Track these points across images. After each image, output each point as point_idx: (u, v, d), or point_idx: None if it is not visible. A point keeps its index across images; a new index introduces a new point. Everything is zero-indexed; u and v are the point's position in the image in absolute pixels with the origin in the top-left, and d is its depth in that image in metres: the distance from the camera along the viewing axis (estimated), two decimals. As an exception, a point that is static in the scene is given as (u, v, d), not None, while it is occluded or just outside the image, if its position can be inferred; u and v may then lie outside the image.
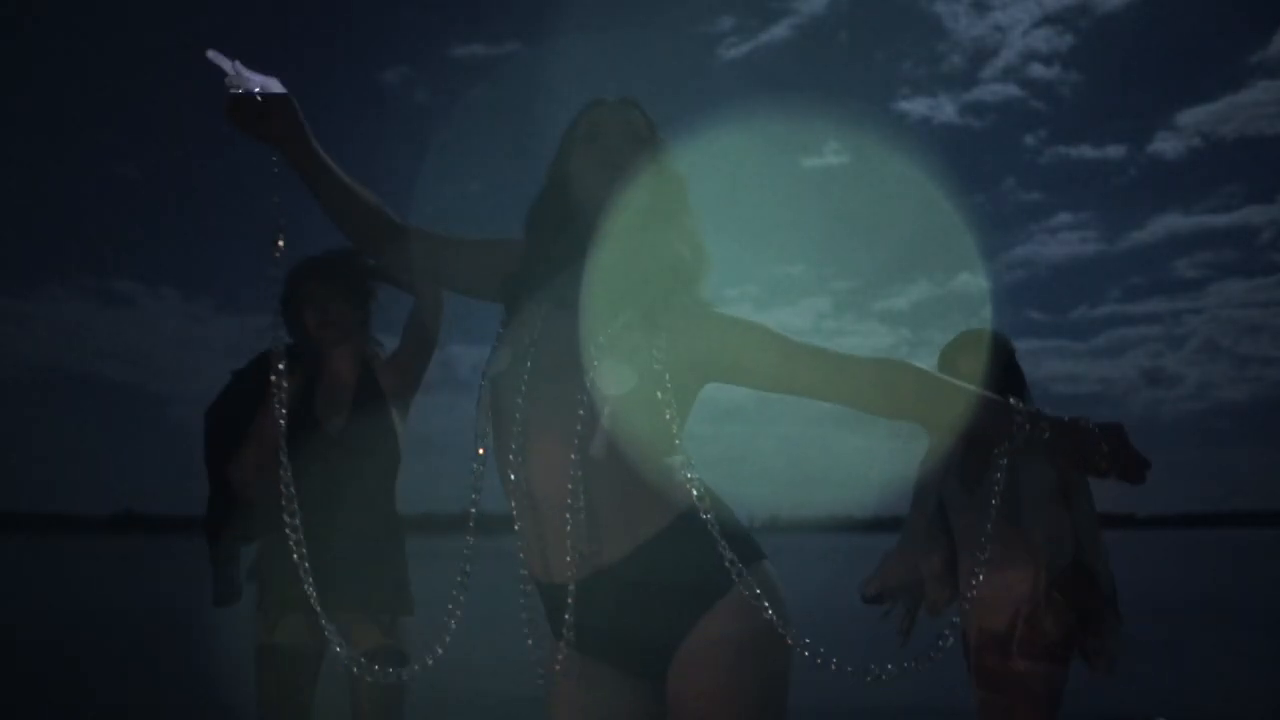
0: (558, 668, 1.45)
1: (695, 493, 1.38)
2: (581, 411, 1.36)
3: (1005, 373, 2.51)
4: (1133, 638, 2.56)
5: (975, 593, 2.56)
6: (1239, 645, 8.28)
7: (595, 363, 1.37)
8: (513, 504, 1.44)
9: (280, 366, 2.40)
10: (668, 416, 1.39)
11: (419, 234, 1.51)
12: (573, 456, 1.36)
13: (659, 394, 1.39)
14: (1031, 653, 2.47)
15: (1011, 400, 1.41)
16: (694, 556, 1.36)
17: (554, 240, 1.50)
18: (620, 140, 1.48)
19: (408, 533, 2.55)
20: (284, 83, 1.38)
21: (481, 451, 1.48)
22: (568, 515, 1.36)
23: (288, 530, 1.53)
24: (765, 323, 1.45)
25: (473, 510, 1.50)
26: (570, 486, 1.36)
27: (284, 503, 1.55)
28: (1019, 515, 2.46)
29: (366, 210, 1.46)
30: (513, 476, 1.41)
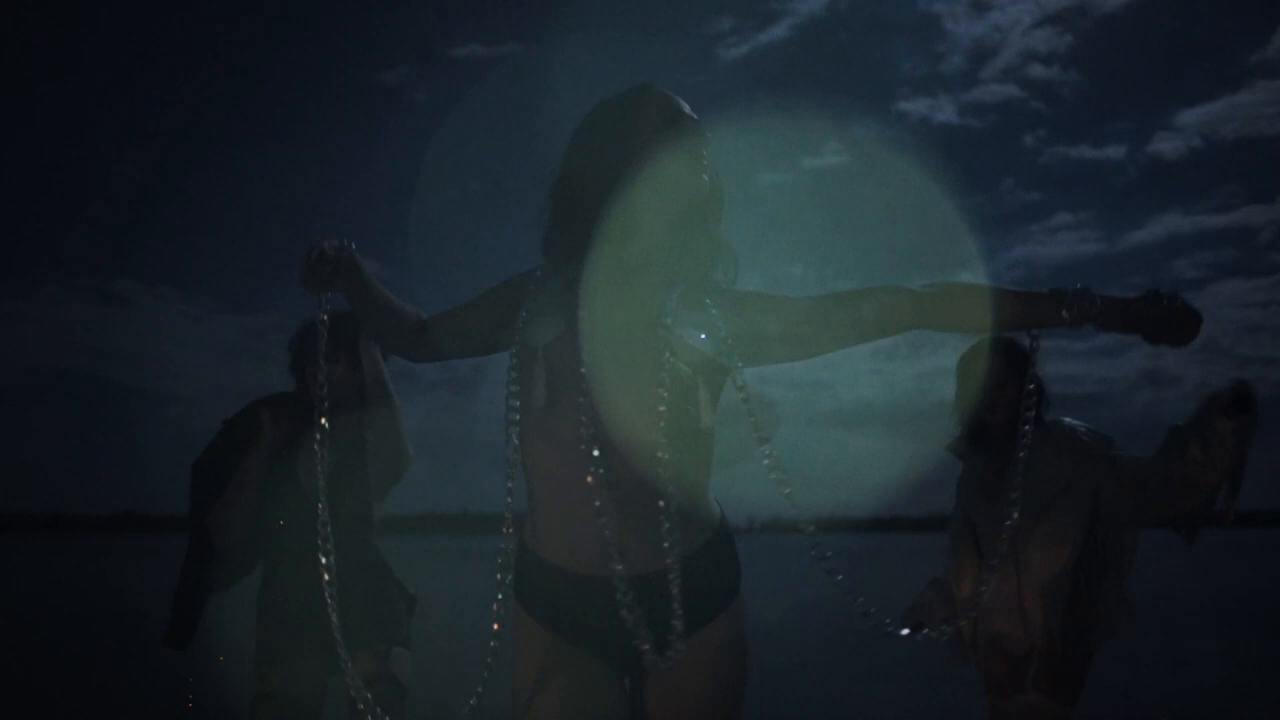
0: (543, 658, 1.46)
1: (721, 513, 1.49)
2: (663, 392, 1.39)
3: (1021, 374, 2.47)
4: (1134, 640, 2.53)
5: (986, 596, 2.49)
6: (1241, 647, 8.28)
7: (669, 334, 1.41)
8: (551, 485, 1.44)
9: (268, 414, 2.41)
10: (740, 383, 1.44)
11: (435, 325, 1.63)
12: (660, 425, 1.39)
13: (726, 362, 1.44)
14: (1042, 686, 2.45)
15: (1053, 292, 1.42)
16: (717, 569, 1.47)
17: (609, 211, 1.49)
18: (698, 133, 1.51)
19: (408, 533, 2.55)
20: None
21: (518, 417, 1.47)
22: (660, 501, 1.39)
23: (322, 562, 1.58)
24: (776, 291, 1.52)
25: (508, 498, 1.48)
26: (661, 456, 1.38)
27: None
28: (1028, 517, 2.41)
29: (401, 329, 1.65)
30: (596, 454, 1.39)
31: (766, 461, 1.44)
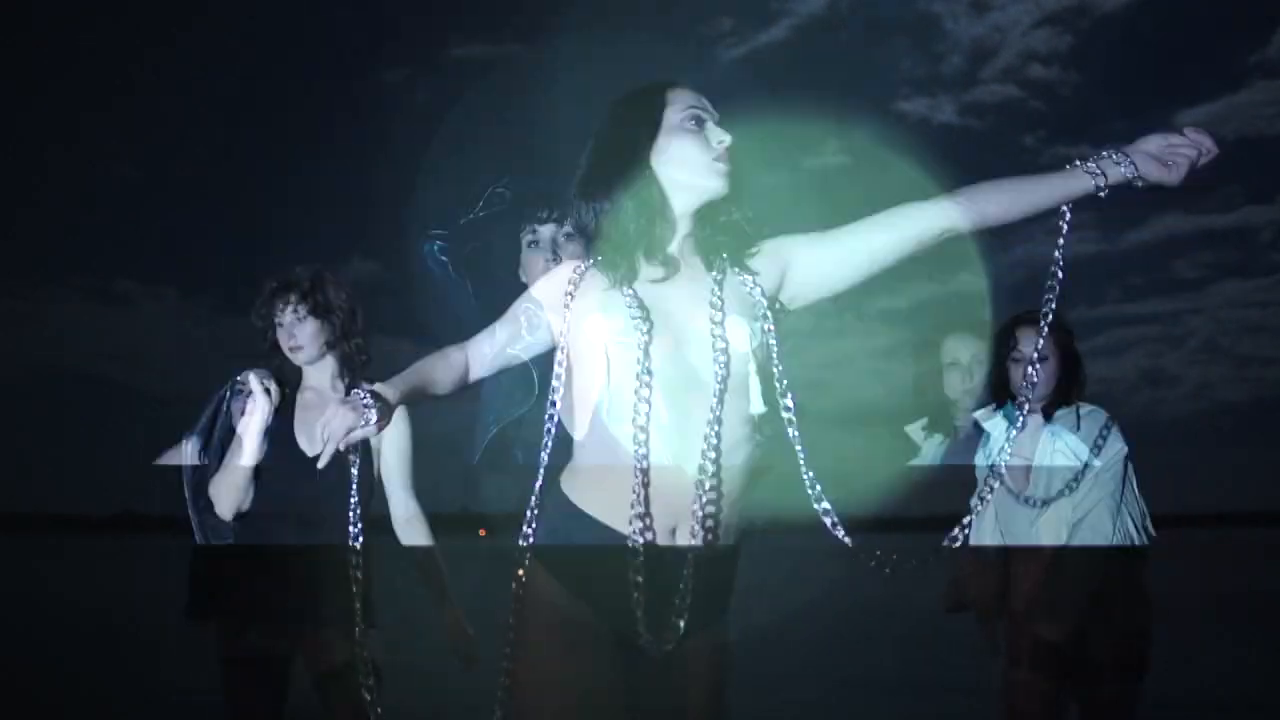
0: (553, 622, 1.49)
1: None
2: (723, 372, 1.46)
3: (1066, 354, 2.50)
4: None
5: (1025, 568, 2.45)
6: (1241, 647, 8.28)
7: (721, 322, 1.47)
8: (609, 465, 1.48)
9: (257, 389, 2.40)
10: (775, 359, 1.51)
11: (471, 353, 1.62)
12: (713, 413, 1.45)
13: (765, 334, 1.51)
14: (1016, 657, 2.43)
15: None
16: (734, 570, 1.57)
17: (638, 206, 1.52)
18: (724, 136, 1.54)
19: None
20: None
21: (557, 403, 1.53)
22: (714, 488, 1.45)
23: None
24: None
25: (539, 483, 1.52)
26: (717, 445, 1.45)
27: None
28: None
29: (451, 383, 1.62)
30: (655, 443, 1.44)
31: (793, 432, 1.50)
